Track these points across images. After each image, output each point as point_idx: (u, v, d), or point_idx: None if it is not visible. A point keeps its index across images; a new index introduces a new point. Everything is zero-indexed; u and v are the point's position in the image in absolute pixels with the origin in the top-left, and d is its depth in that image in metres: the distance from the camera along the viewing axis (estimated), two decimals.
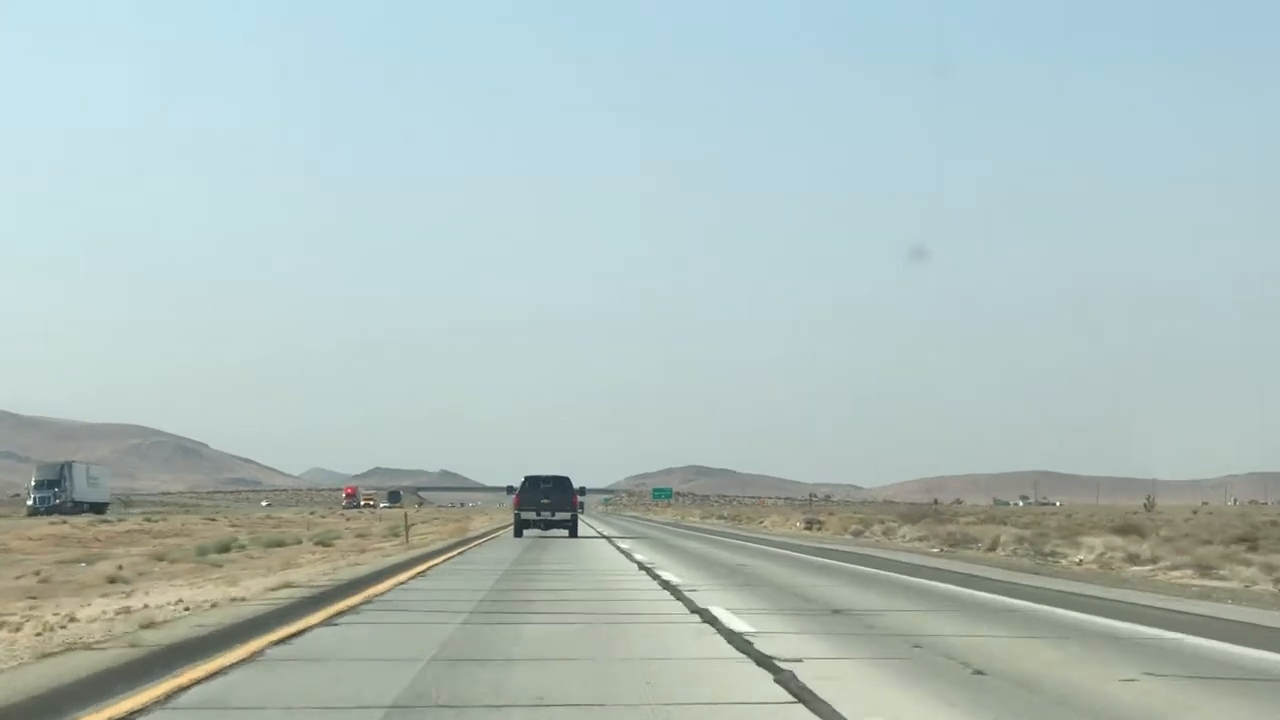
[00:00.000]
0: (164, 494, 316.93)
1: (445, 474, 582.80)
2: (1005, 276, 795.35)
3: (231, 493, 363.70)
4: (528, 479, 51.35)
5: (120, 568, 26.44)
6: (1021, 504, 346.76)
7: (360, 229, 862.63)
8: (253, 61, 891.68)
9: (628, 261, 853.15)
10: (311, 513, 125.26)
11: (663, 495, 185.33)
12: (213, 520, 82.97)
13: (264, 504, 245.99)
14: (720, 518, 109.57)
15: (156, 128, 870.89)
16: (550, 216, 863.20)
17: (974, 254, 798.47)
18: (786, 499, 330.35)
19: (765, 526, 71.97)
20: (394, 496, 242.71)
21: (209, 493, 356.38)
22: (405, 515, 40.36)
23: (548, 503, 50.85)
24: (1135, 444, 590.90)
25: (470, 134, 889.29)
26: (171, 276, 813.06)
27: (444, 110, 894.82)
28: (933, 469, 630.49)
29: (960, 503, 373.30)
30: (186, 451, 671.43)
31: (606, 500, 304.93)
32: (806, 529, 65.37)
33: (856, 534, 55.02)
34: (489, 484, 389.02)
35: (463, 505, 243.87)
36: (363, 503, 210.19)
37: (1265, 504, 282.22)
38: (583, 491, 56.33)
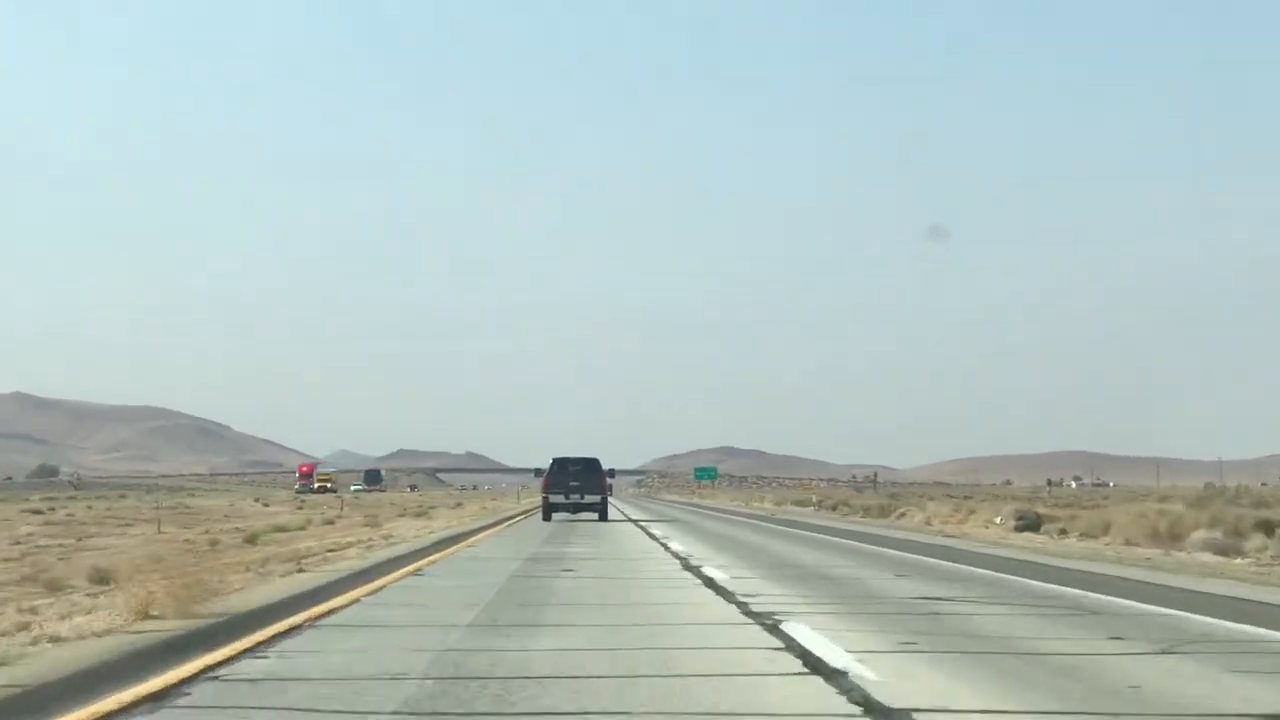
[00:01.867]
0: (161, 476, 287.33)
1: (471, 455, 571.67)
2: (1039, 253, 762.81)
3: (237, 475, 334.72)
4: (556, 461, 48.74)
5: None
6: (1074, 485, 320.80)
7: (385, 211, 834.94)
8: (263, 54, 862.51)
9: (653, 245, 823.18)
10: (257, 499, 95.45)
11: (706, 475, 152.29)
12: (53, 511, 52.67)
13: (297, 487, 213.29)
14: (801, 504, 77.28)
15: (183, 118, 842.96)
16: (574, 201, 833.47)
17: (1007, 233, 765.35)
18: (830, 480, 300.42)
19: (927, 524, 39.67)
20: (372, 477, 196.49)
21: (212, 475, 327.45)
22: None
23: (577, 485, 47.89)
24: (1176, 423, 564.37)
25: (502, 125, 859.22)
26: (194, 260, 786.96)
27: (478, 101, 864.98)
28: (965, 450, 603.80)
29: (1010, 483, 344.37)
30: (208, 433, 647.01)
31: (639, 482, 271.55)
32: (1026, 531, 33.26)
33: (1224, 553, 23.95)
34: (515, 466, 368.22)
35: (474, 488, 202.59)
36: (317, 485, 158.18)
37: None
38: (612, 474, 53.07)
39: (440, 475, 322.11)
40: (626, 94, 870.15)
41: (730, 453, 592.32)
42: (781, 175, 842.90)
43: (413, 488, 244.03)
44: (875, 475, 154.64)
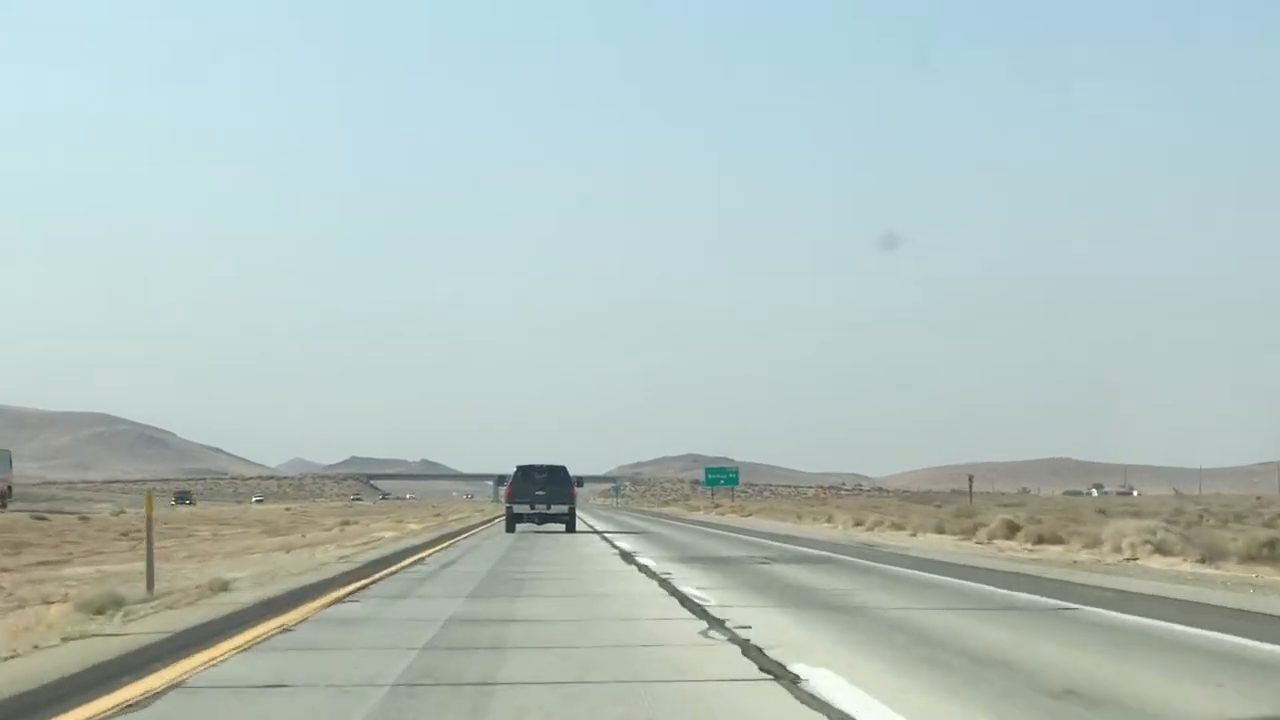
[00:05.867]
0: (83, 483, 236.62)
1: (426, 463, 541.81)
2: (1012, 258, 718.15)
3: (165, 481, 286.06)
4: (520, 468, 45.89)
5: None
6: (1095, 494, 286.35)
7: (338, 217, 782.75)
8: (231, 56, 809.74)
9: (616, 251, 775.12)
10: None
11: (724, 481, 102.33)
12: None
13: (255, 500, 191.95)
14: (1011, 537, 26.18)
15: (131, 119, 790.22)
16: (534, 209, 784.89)
17: (975, 240, 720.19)
18: (831, 489, 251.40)
19: None
20: None
21: (160, 481, 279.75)
22: None
23: (543, 494, 44.84)
24: (1160, 430, 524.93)
25: (457, 126, 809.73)
26: (140, 264, 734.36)
27: (434, 102, 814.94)
28: (941, 457, 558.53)
29: (1027, 491, 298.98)
30: (151, 440, 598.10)
31: (616, 489, 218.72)
32: None
33: None
34: (470, 473, 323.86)
35: (383, 497, 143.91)
36: None
37: None
38: (580, 482, 48.78)
39: (376, 483, 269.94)
40: (590, 101, 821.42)
41: (699, 460, 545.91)
42: (755, 184, 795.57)
43: (183, 498, 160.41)
44: (972, 479, 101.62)
